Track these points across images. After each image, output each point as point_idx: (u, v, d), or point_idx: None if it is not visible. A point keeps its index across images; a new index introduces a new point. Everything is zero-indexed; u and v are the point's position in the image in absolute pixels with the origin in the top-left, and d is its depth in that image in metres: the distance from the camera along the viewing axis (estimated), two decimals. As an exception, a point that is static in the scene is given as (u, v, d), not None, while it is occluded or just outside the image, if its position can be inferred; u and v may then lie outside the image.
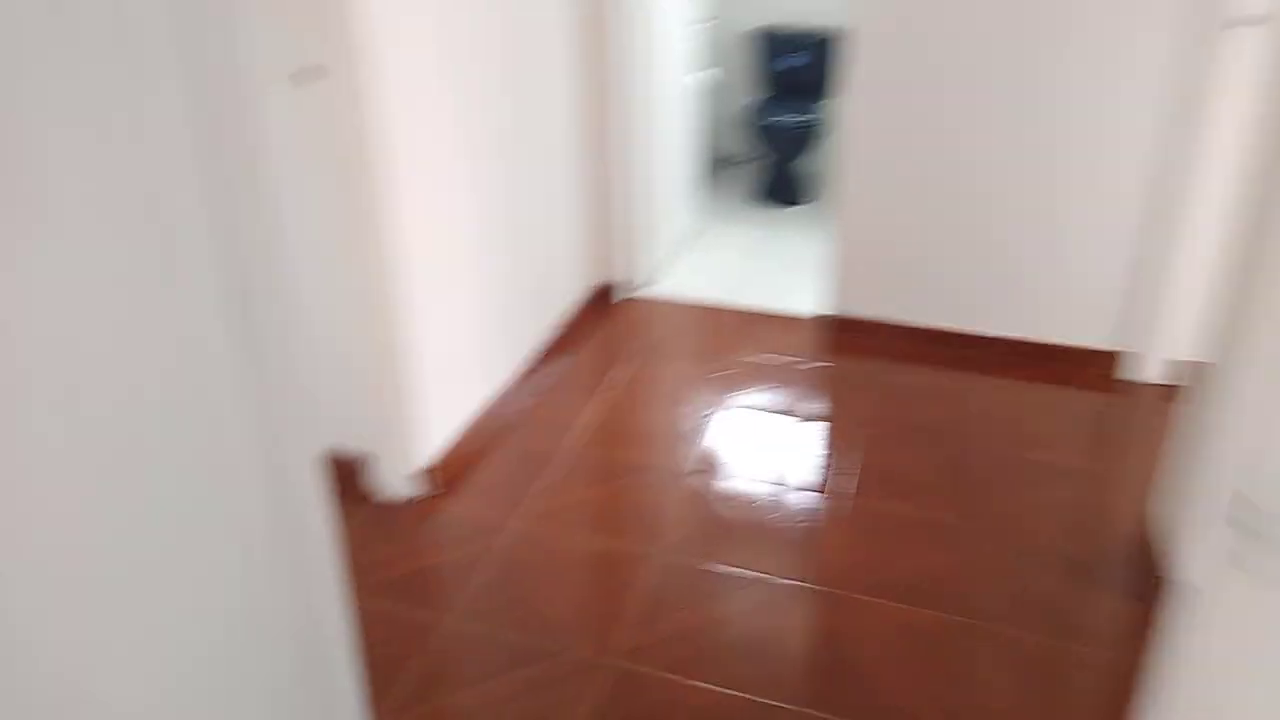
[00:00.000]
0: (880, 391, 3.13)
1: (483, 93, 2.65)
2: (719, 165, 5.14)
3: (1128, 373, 3.17)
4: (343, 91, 2.12)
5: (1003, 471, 2.71)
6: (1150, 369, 3.12)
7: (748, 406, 3.05)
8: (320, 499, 1.35)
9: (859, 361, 3.32)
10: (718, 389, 3.15)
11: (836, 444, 2.86)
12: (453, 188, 2.55)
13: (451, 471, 2.63)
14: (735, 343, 3.44)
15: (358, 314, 2.35)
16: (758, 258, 4.20)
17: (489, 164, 2.73)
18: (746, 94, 4.97)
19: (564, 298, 3.43)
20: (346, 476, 2.56)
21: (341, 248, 2.29)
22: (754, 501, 2.58)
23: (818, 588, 2.28)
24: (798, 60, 4.77)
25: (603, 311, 3.64)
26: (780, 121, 4.55)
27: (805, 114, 4.58)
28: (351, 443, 2.55)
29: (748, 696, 1.99)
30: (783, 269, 4.07)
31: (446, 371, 2.62)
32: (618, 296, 3.71)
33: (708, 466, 2.73)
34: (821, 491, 2.62)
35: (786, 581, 2.30)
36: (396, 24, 2.20)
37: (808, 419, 2.99)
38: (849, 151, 3.22)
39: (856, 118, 3.16)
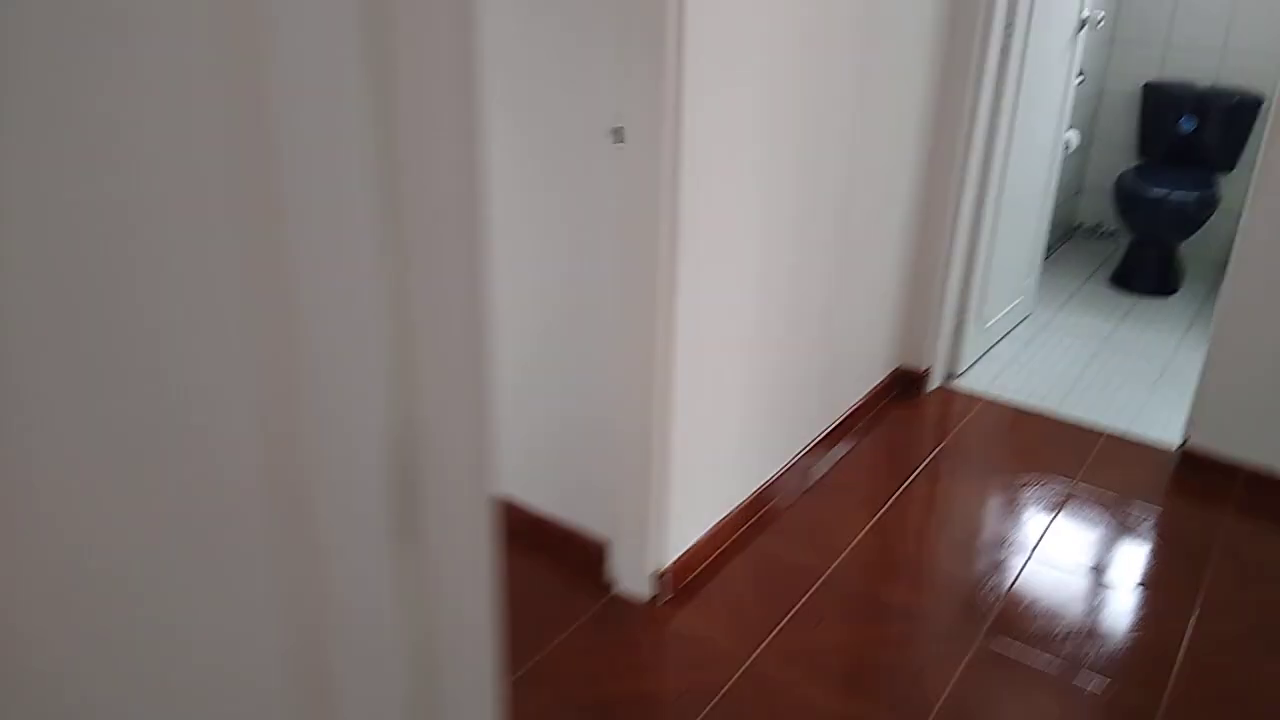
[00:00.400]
0: (1235, 565, 2.48)
1: (804, 153, 2.36)
2: (1067, 238, 4.49)
3: None
4: (637, 157, 1.93)
5: None
6: None
7: (1057, 553, 2.52)
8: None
9: (1215, 517, 2.66)
10: (1024, 523, 2.64)
11: (1150, 629, 2.28)
12: (742, 257, 2.29)
13: (695, 576, 2.37)
14: (1057, 464, 2.90)
15: (623, 390, 2.17)
16: (1102, 357, 3.56)
17: (792, 229, 2.44)
18: (1113, 158, 4.29)
19: (857, 382, 3.06)
20: (589, 563, 2.39)
21: (615, 324, 2.12)
22: (1044, 684, 2.09)
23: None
24: (1187, 123, 4.03)
25: (901, 404, 3.22)
26: (1153, 194, 3.86)
27: (1187, 187, 3.85)
28: (597, 526, 2.38)
29: None
30: (1131, 376, 3.42)
31: (710, 456, 2.37)
32: (922, 388, 3.27)
33: (994, 626, 2.27)
34: (1115, 697, 2.08)
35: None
36: (710, 87, 1.97)
37: (1129, 584, 2.42)
38: (1251, 242, 2.59)
39: (1268, 203, 2.53)
